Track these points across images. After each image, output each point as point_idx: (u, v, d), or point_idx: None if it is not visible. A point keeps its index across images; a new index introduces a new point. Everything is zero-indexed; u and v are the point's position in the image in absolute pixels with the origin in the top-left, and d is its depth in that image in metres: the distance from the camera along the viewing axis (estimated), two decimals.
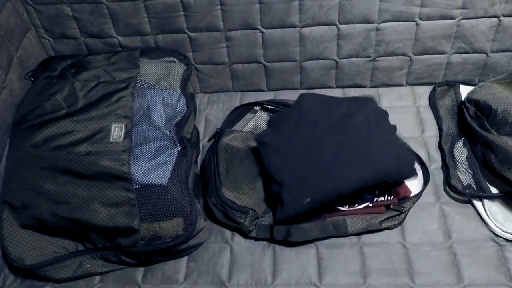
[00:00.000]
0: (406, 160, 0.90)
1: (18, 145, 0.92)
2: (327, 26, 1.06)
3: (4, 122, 0.94)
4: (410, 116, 1.10)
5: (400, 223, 0.90)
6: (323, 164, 0.86)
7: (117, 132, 0.91)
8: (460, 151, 0.98)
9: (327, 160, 0.87)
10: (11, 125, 0.95)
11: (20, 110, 0.96)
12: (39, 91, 0.99)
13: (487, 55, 1.09)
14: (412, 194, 0.91)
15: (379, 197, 0.91)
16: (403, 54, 1.10)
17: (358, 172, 0.84)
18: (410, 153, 0.96)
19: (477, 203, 0.91)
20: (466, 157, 0.96)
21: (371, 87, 1.18)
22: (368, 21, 1.05)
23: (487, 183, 0.91)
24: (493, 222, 0.88)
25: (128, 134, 0.92)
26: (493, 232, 0.88)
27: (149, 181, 0.87)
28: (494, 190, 0.90)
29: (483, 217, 0.90)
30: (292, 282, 0.85)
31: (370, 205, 0.90)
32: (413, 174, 0.90)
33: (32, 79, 1.05)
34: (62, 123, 0.92)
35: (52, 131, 0.91)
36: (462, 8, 1.02)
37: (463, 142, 0.99)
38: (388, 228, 0.90)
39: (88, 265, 0.88)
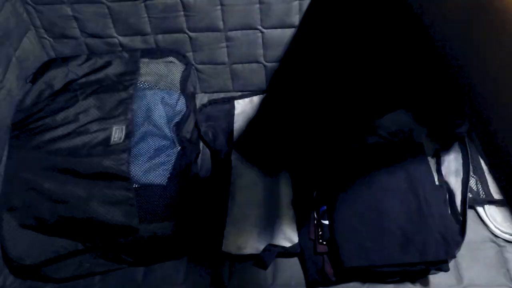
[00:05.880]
0: (452, 244, 0.82)
1: (18, 146, 0.92)
2: None
3: (3, 122, 0.94)
4: None
5: None
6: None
7: (117, 134, 0.91)
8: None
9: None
10: (11, 126, 0.95)
11: (21, 112, 0.96)
12: (40, 93, 0.99)
13: None
14: None
15: None
16: None
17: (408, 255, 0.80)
18: (457, 232, 0.87)
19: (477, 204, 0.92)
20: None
21: None
22: None
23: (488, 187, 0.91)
24: (492, 223, 0.88)
25: (128, 134, 0.92)
26: (492, 233, 0.88)
27: (148, 180, 0.87)
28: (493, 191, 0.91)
29: (482, 218, 0.90)
30: (292, 283, 0.85)
31: None
32: (454, 257, 0.83)
33: (31, 81, 1.05)
34: (63, 126, 0.92)
35: (53, 134, 0.91)
36: None
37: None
38: None
39: (88, 264, 0.88)
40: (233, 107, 1.15)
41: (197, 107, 1.16)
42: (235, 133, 1.10)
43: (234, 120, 1.12)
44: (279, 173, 0.98)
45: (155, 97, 0.99)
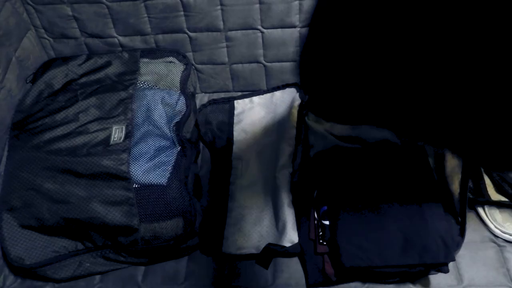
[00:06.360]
0: (452, 247, 0.82)
1: (18, 146, 0.92)
2: None
3: (3, 122, 0.94)
4: None
5: None
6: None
7: (117, 134, 0.91)
8: None
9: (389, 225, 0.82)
10: (11, 126, 0.95)
11: (21, 112, 0.96)
12: (40, 93, 0.99)
13: None
14: None
15: None
16: None
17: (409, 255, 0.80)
18: (457, 234, 0.87)
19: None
20: None
21: None
22: None
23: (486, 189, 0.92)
24: (492, 223, 0.88)
25: (128, 134, 0.92)
26: (492, 233, 0.88)
27: (148, 180, 0.87)
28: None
29: (482, 218, 0.90)
30: (292, 283, 0.85)
31: None
32: (453, 260, 0.82)
33: (31, 81, 1.05)
34: (62, 126, 0.92)
35: (53, 133, 0.91)
36: None
37: None
38: None
39: (88, 264, 0.88)
40: (233, 107, 1.15)
41: (197, 107, 1.16)
42: (235, 133, 1.10)
43: (234, 121, 1.13)
44: (280, 172, 0.97)
45: (155, 97, 0.99)
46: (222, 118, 1.14)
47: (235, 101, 1.17)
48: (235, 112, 1.15)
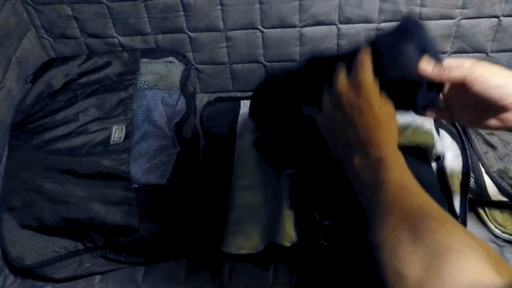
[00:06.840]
0: None
1: (18, 146, 0.92)
2: (327, 26, 1.06)
3: (3, 122, 0.94)
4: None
5: None
6: None
7: (117, 134, 0.91)
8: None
9: None
10: (11, 126, 0.96)
11: (21, 112, 0.97)
12: (40, 93, 0.99)
13: (487, 55, 1.08)
14: None
15: None
16: None
17: None
18: None
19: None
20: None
21: None
22: (368, 21, 1.05)
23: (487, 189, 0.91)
24: (492, 223, 0.88)
25: (128, 134, 0.92)
26: (492, 233, 0.88)
27: (148, 180, 0.87)
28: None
29: (482, 218, 0.90)
30: (292, 282, 0.85)
31: None
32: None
33: (31, 81, 1.05)
34: (62, 126, 0.92)
35: (53, 133, 0.91)
36: (462, 8, 1.02)
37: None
38: None
39: (88, 264, 0.88)
40: (239, 107, 1.15)
41: (199, 106, 1.15)
42: (238, 133, 1.10)
43: (239, 121, 1.12)
44: (281, 174, 0.97)
45: (155, 97, 0.99)
46: (227, 116, 1.13)
47: (242, 101, 1.16)
48: (240, 111, 1.14)
